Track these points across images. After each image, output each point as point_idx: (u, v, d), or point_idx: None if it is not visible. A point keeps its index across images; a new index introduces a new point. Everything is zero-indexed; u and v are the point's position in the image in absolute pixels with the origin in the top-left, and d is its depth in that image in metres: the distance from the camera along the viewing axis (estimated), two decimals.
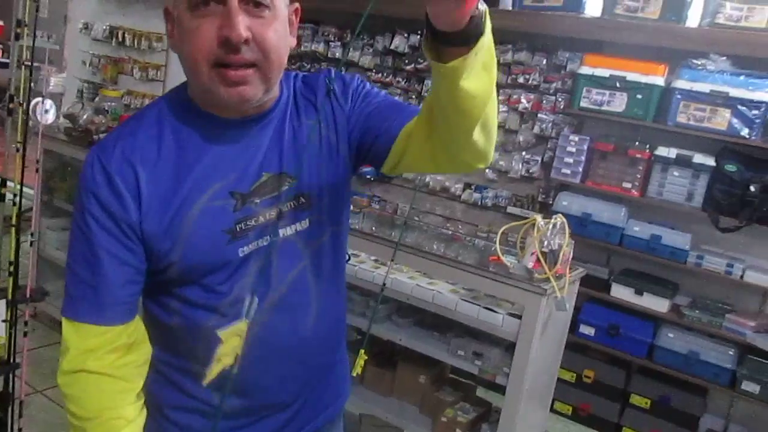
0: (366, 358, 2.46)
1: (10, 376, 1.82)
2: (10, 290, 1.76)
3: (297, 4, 1.04)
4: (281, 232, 1.05)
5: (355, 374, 2.42)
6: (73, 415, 1.02)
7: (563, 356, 3.47)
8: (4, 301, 1.73)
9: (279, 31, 0.96)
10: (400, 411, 2.65)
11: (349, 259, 2.70)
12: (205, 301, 1.03)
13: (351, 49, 4.39)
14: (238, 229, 1.02)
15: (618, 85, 3.21)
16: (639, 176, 3.27)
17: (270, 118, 1.05)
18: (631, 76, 3.17)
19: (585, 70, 3.31)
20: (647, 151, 3.25)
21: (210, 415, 1.09)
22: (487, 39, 0.81)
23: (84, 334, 1.00)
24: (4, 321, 1.70)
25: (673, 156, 3.19)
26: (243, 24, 0.90)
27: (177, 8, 0.95)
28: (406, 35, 4.13)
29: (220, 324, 1.04)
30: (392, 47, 4.17)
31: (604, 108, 3.27)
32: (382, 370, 2.77)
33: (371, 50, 4.32)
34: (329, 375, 1.24)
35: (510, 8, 3.56)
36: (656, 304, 3.26)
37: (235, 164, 1.02)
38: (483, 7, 0.79)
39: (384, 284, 2.46)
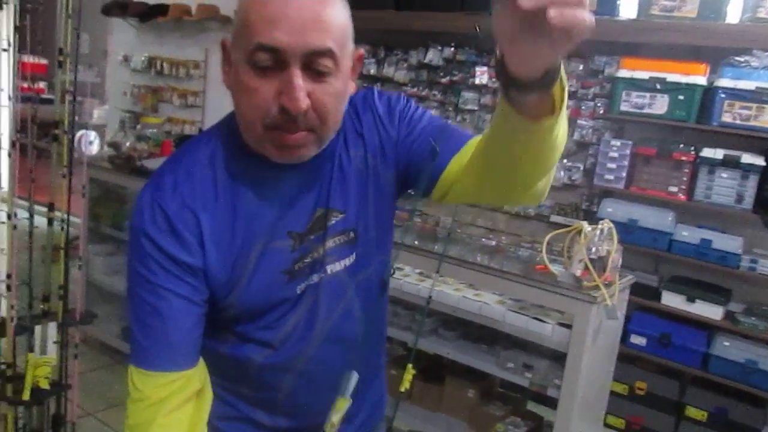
0: (414, 372, 2.44)
1: (63, 397, 1.84)
2: (60, 313, 1.79)
3: (361, 50, 1.00)
4: (329, 268, 1.03)
5: (402, 389, 2.40)
6: None
7: (615, 368, 3.38)
8: (55, 323, 1.76)
9: (339, 94, 0.91)
10: (449, 427, 2.60)
11: (394, 272, 2.70)
12: (258, 337, 1.02)
13: (386, 64, 4.41)
14: (296, 268, 1.00)
15: (658, 87, 3.14)
16: (685, 179, 3.18)
17: (323, 157, 1.01)
18: (672, 77, 3.10)
19: (623, 73, 3.24)
20: (692, 153, 3.16)
21: (257, 425, 1.10)
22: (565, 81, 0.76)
23: (156, 383, 0.93)
24: (55, 342, 1.73)
25: (720, 157, 3.10)
26: (303, 93, 0.85)
27: (235, 53, 0.90)
28: (439, 48, 4.13)
29: (270, 358, 1.03)
30: (426, 61, 4.18)
31: (645, 111, 3.20)
32: (430, 385, 2.73)
33: (405, 65, 4.33)
34: (371, 389, 1.24)
35: None
36: (709, 311, 3.15)
37: (290, 204, 0.99)
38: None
39: (430, 297, 2.43)
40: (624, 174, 3.32)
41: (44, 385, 1.68)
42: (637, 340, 3.32)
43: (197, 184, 0.95)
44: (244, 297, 0.98)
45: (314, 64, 0.86)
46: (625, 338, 3.35)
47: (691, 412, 3.24)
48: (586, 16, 0.60)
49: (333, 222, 1.02)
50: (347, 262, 1.05)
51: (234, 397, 1.09)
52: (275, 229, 0.98)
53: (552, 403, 2.31)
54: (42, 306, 1.75)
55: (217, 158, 0.97)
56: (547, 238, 2.30)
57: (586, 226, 2.20)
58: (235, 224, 0.96)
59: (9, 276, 1.68)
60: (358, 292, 1.08)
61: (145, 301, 0.93)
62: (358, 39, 1.00)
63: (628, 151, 3.30)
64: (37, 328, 1.72)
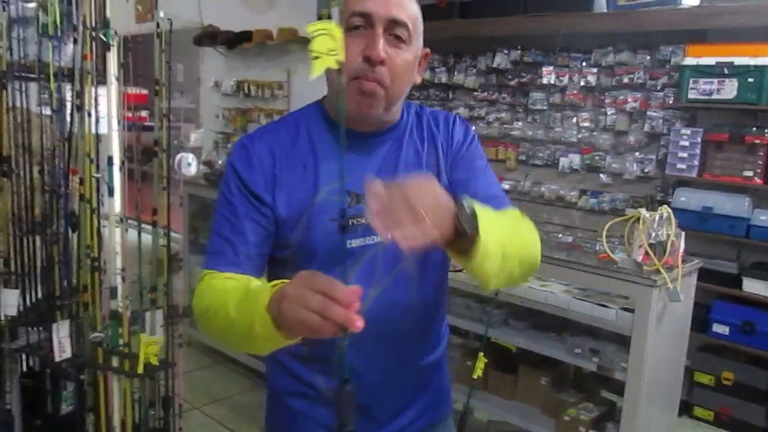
0: (485, 361, 2.56)
1: (171, 377, 2.13)
2: (165, 306, 2.08)
3: (428, 49, 1.22)
4: None
5: (475, 377, 2.53)
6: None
7: (699, 359, 3.35)
8: (161, 310, 2.06)
9: (408, 63, 1.13)
10: (524, 414, 2.70)
11: (463, 269, 2.84)
12: None
13: (456, 72, 4.56)
14: (350, 223, 1.17)
15: (726, 71, 3.11)
16: (760, 163, 3.13)
17: (390, 135, 1.22)
18: (739, 61, 3.07)
19: (689, 61, 3.24)
20: (766, 135, 3.11)
21: (319, 402, 1.23)
22: (484, 241, 0.95)
23: (220, 278, 1.11)
24: (161, 326, 2.02)
25: None
26: (382, 47, 1.08)
27: None
28: (506, 52, 4.24)
29: None
30: (494, 65, 4.29)
31: (714, 97, 3.17)
32: (504, 375, 2.84)
33: (474, 71, 4.47)
34: (431, 383, 1.32)
35: (605, 10, 3.57)
36: None
37: (354, 168, 1.16)
38: (468, 211, 0.93)
39: (498, 288, 2.55)
40: (696, 162, 3.30)
41: (154, 361, 1.99)
42: (720, 329, 3.28)
43: (281, 136, 1.20)
44: (301, 238, 1.15)
45: (393, 30, 1.10)
46: (707, 328, 3.32)
47: None
48: (424, 240, 0.85)
49: None
50: None
51: (296, 361, 1.24)
52: (336, 186, 1.13)
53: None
54: (150, 296, 2.06)
55: (301, 123, 1.22)
56: (606, 227, 2.38)
57: (644, 213, 2.26)
58: (306, 172, 1.16)
59: (123, 269, 2.00)
60: (417, 264, 1.20)
61: (223, 216, 1.16)
62: (430, 49, 1.22)
63: (699, 139, 3.28)
64: (147, 314, 2.04)
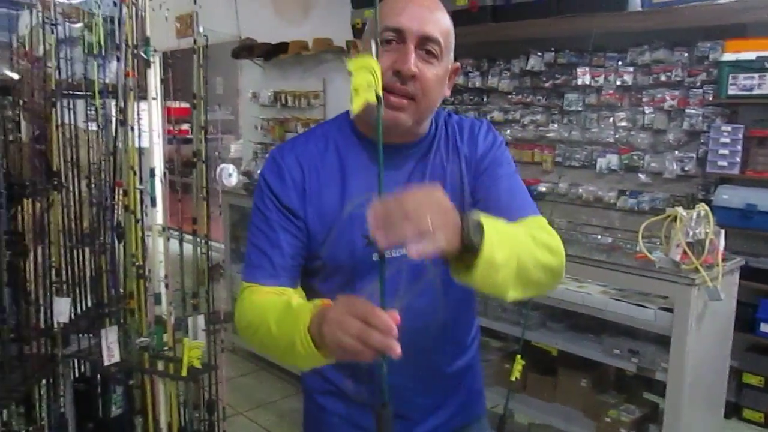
0: (523, 363, 2.56)
1: (215, 381, 2.20)
2: (207, 312, 2.16)
3: (458, 64, 1.23)
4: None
5: (513, 379, 2.53)
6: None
7: (747, 359, 3.27)
8: (203, 315, 2.14)
9: (439, 77, 1.14)
10: (564, 416, 2.68)
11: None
12: (340, 295, 1.17)
13: (490, 75, 4.57)
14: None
15: (767, 66, 3.05)
16: None
17: (418, 147, 1.22)
18: None
19: (727, 56, 3.18)
20: None
21: (348, 400, 1.27)
22: (489, 254, 0.91)
23: (259, 292, 1.15)
24: (203, 330, 2.10)
25: None
26: (414, 61, 1.09)
27: (364, 44, 1.17)
28: (540, 54, 4.22)
29: None
30: (528, 68, 4.28)
31: (755, 92, 3.11)
32: (544, 377, 2.83)
33: (508, 74, 4.46)
34: (461, 383, 1.33)
35: (639, 8, 3.53)
36: None
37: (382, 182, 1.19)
38: (473, 222, 0.91)
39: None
40: (738, 159, 3.23)
41: (197, 364, 2.08)
42: None
43: (310, 148, 1.22)
44: (330, 250, 1.18)
45: (425, 45, 1.11)
46: (754, 327, 3.24)
47: None
48: (433, 247, 0.84)
49: None
50: None
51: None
52: (364, 199, 1.15)
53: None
54: (192, 302, 2.14)
55: (330, 136, 1.24)
56: (642, 226, 2.36)
57: (681, 211, 2.23)
58: (334, 185, 1.18)
59: (166, 277, 2.09)
60: (441, 275, 1.20)
61: (258, 228, 1.18)
62: (462, 53, 1.23)
63: (740, 135, 3.22)
64: (190, 320, 2.13)
